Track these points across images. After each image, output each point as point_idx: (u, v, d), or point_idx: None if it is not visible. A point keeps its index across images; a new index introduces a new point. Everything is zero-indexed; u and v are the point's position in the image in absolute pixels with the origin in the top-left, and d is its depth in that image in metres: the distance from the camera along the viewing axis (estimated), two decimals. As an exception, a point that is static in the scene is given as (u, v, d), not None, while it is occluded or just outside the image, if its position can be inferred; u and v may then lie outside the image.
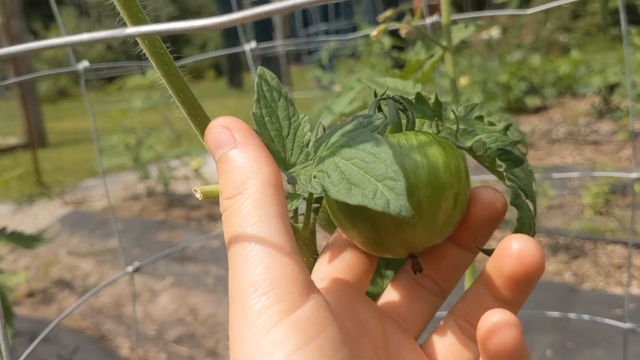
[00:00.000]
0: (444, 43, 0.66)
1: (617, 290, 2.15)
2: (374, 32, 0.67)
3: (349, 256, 0.43)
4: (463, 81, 4.38)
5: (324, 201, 0.43)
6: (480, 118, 0.47)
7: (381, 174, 0.31)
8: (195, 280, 2.81)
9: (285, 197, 0.35)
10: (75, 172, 5.77)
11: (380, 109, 0.42)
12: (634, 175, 0.75)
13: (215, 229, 3.53)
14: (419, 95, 0.46)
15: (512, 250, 0.36)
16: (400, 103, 0.42)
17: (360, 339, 0.39)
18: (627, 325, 0.83)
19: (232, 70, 7.88)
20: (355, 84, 0.66)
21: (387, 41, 2.90)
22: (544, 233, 2.72)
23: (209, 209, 3.99)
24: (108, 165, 4.07)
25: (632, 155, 3.83)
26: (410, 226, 0.37)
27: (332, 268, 0.43)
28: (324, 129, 0.45)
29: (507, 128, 0.44)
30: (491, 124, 0.51)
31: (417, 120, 0.46)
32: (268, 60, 7.45)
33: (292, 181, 0.39)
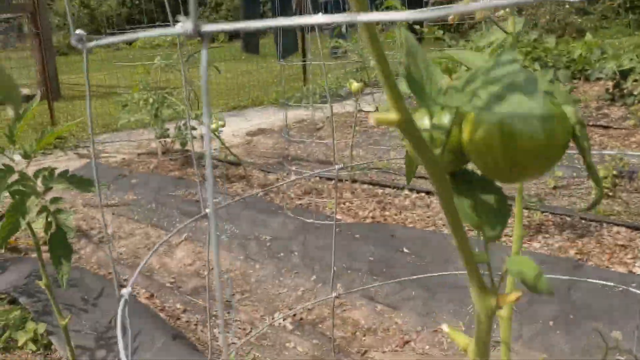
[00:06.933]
0: (509, 30, 0.70)
1: (620, 269, 2.23)
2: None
3: None
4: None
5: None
6: (551, 81, 0.48)
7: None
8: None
9: None
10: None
11: None
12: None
13: (231, 189, 3.61)
14: None
15: None
16: None
17: None
18: None
19: (248, 34, 7.76)
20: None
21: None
22: (550, 211, 2.79)
23: (226, 170, 4.05)
24: (126, 121, 4.13)
25: (641, 141, 3.89)
26: (548, 148, 0.38)
27: None
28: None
29: (571, 90, 0.46)
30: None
31: None
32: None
33: None
